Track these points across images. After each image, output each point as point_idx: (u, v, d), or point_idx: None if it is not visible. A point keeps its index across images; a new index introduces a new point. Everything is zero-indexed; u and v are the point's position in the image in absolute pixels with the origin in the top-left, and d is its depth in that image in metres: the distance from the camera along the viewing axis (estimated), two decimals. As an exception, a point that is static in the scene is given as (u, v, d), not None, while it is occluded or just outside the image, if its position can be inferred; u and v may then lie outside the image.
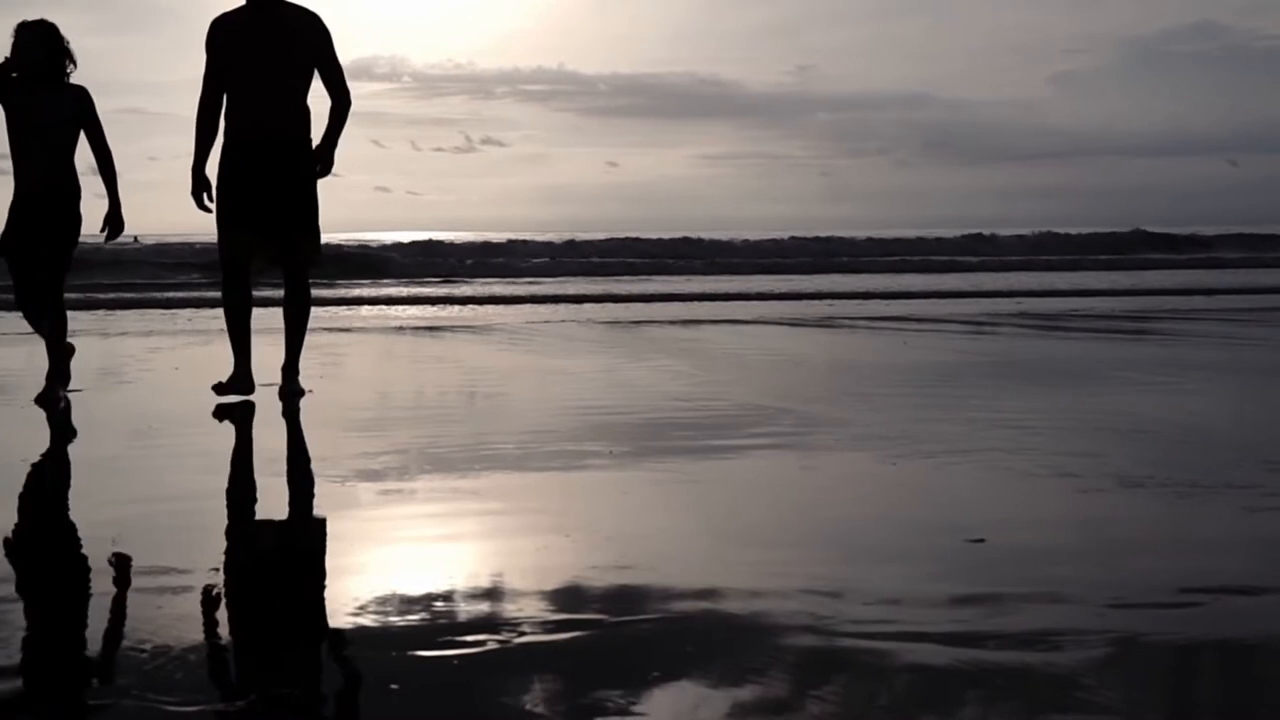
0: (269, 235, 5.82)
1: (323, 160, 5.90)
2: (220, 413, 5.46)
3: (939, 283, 19.17)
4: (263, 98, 5.79)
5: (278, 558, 3.19)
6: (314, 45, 5.86)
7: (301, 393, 5.87)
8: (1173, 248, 31.13)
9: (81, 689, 2.20)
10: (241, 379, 5.80)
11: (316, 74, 5.88)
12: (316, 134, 5.92)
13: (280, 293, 6.01)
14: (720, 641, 2.40)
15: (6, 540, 3.31)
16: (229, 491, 4.03)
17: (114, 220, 6.09)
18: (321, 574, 2.98)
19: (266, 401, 5.73)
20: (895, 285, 18.37)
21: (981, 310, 13.07)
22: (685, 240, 30.31)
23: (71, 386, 6.17)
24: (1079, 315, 12.34)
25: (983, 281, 19.50)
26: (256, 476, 4.22)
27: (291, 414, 5.47)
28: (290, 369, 5.93)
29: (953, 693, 2.13)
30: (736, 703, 2.08)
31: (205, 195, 5.84)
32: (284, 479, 4.17)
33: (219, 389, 5.76)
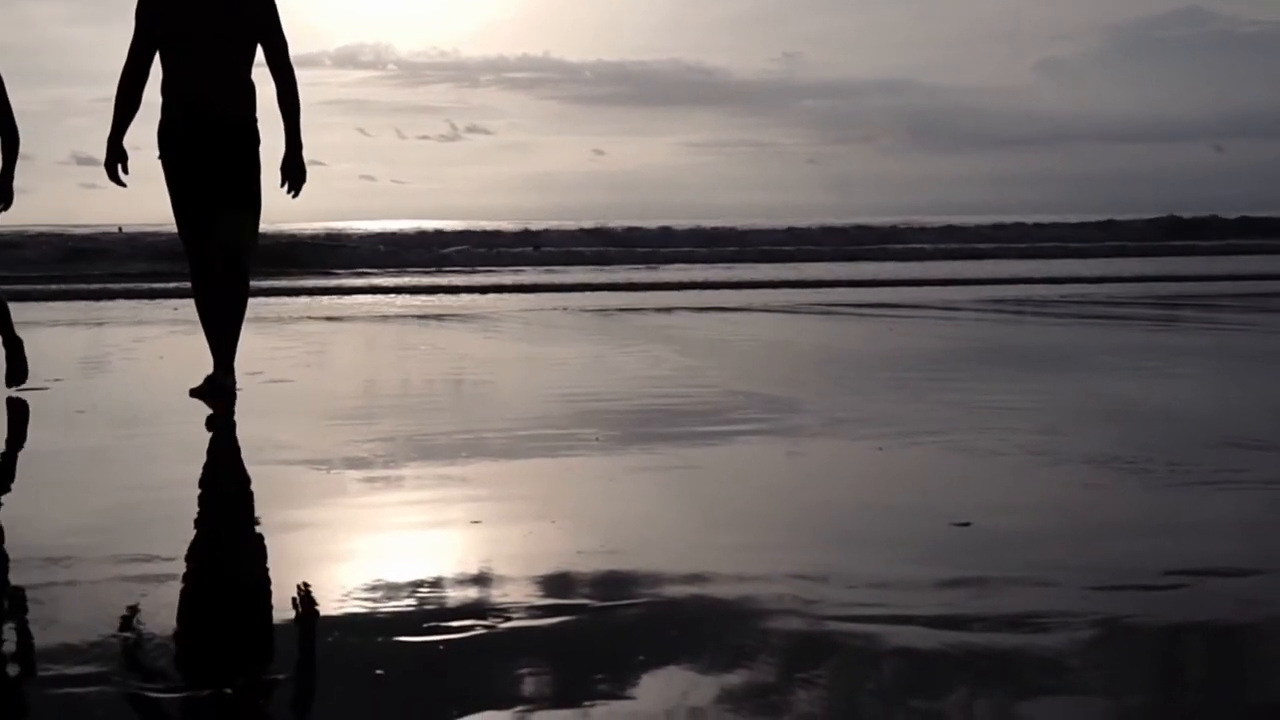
0: (221, 215, 5.35)
1: (294, 174, 5.39)
2: (200, 400, 5.40)
3: (935, 270, 19.19)
4: (202, 71, 5.30)
5: (262, 545, 3.18)
6: (257, 13, 5.36)
7: (234, 391, 5.36)
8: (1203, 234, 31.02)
9: (65, 676, 2.19)
10: (221, 378, 5.38)
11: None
12: (262, 108, 5.43)
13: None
14: (707, 626, 2.40)
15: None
16: (213, 481, 4.02)
17: (3, 189, 5.70)
18: (307, 562, 2.98)
19: (250, 389, 5.71)
20: (909, 273, 18.39)
21: (970, 297, 13.08)
22: (669, 230, 30.32)
23: (53, 376, 6.14)
24: (1069, 301, 12.37)
25: (962, 269, 19.53)
26: (241, 465, 4.21)
27: (225, 416, 5.02)
28: (223, 362, 5.37)
29: (939, 675, 2.13)
30: (724, 687, 2.08)
31: (120, 167, 5.37)
32: (269, 467, 4.16)
33: (198, 394, 5.33)
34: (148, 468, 4.17)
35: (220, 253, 5.35)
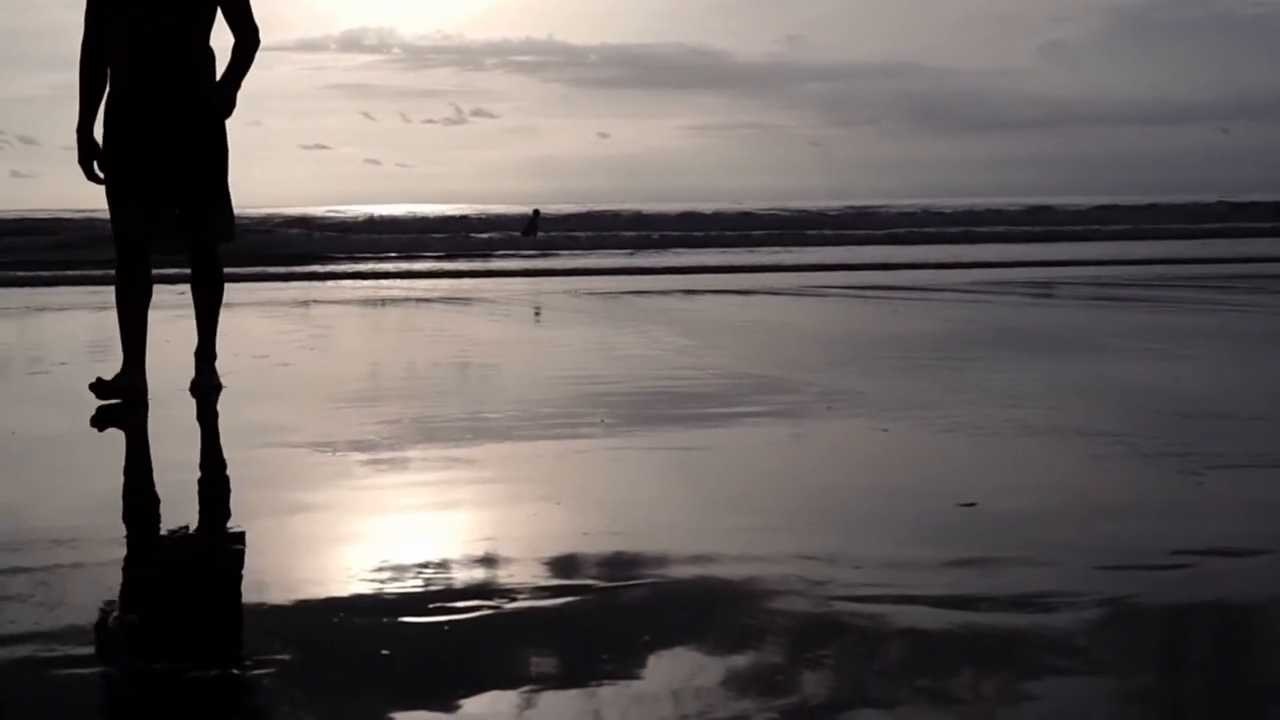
0: (169, 206, 4.94)
1: (222, 98, 4.92)
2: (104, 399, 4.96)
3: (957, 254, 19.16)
4: (155, 39, 4.83)
5: (268, 527, 3.18)
6: None
7: (218, 387, 5.15)
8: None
9: (72, 657, 2.20)
10: (132, 379, 4.96)
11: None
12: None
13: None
14: (713, 607, 2.40)
15: (0, 513, 3.30)
16: (218, 463, 4.02)
17: None
18: (313, 543, 2.98)
19: (255, 372, 5.71)
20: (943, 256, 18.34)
21: (975, 279, 13.05)
22: (673, 214, 30.29)
23: (58, 360, 6.14)
24: (1076, 283, 12.34)
25: (976, 254, 19.49)
26: (245, 449, 4.21)
27: (208, 412, 4.85)
28: (205, 356, 5.20)
29: (946, 654, 2.13)
30: (730, 667, 2.08)
31: (96, 162, 4.93)
32: (274, 449, 4.16)
33: (100, 389, 4.89)
34: (153, 450, 4.17)
35: (195, 250, 5.10)
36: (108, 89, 4.94)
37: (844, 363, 6.24)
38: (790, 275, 14.38)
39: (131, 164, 4.87)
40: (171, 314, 9.30)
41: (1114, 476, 3.55)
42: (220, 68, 5.03)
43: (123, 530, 3.13)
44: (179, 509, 3.33)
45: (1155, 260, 16.37)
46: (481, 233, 27.80)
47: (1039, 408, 4.64)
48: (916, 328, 8.20)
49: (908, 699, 1.95)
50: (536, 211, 29.22)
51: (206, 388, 5.12)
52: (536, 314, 9.84)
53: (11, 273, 15.19)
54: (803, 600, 2.42)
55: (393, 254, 21.24)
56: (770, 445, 4.13)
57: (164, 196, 4.92)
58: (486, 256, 21.19)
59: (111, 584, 2.64)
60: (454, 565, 2.69)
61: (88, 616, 2.41)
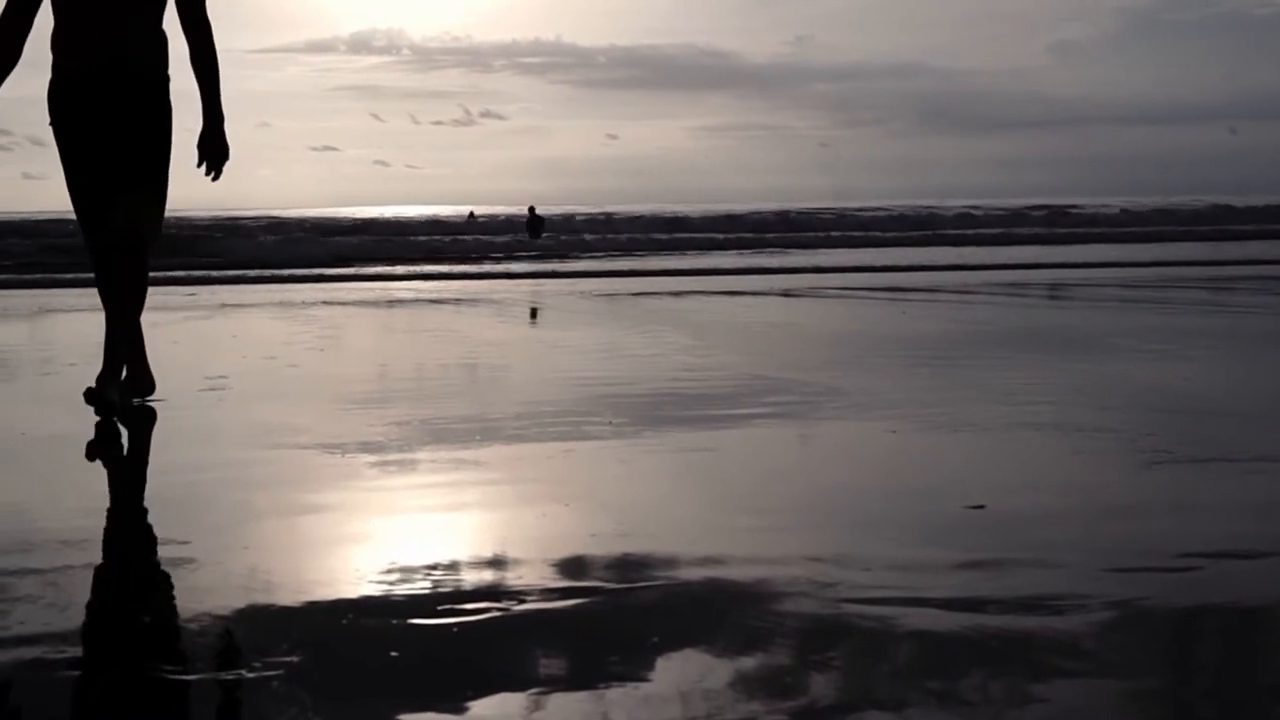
0: (117, 192, 4.56)
1: (214, 153, 4.59)
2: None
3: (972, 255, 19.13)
4: (102, 19, 4.48)
5: (277, 528, 3.19)
6: None
7: (112, 404, 4.49)
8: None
9: (83, 659, 2.20)
10: (139, 378, 4.80)
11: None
12: (174, 67, 4.66)
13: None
14: (721, 608, 2.40)
15: (10, 514, 3.30)
16: (227, 464, 4.02)
17: None
18: (322, 544, 2.98)
19: (264, 373, 5.71)
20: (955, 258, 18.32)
21: (983, 280, 13.04)
22: (681, 216, 30.30)
23: (68, 361, 6.16)
24: (1085, 284, 12.32)
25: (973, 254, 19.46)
26: (254, 450, 4.21)
27: (215, 413, 4.70)
28: (111, 373, 4.55)
29: (955, 657, 2.13)
30: (738, 669, 2.08)
31: None
32: (283, 451, 4.16)
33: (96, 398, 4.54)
34: (162, 451, 4.18)
35: (115, 239, 4.59)
36: (53, 74, 4.60)
37: (851, 364, 6.23)
38: (798, 277, 14.38)
39: (90, 170, 4.57)
40: (178, 315, 9.32)
41: (1123, 478, 3.54)
42: (179, 63, 4.65)
43: (132, 531, 3.13)
44: (188, 510, 3.33)
45: (1171, 262, 16.34)
46: (489, 234, 27.86)
47: (1047, 408, 4.63)
48: (924, 329, 8.19)
49: (917, 701, 1.94)
50: (533, 209, 29.24)
51: (103, 399, 4.45)
52: (532, 315, 9.85)
53: (22, 275, 15.23)
54: (811, 602, 2.42)
55: (401, 255, 21.26)
56: (778, 446, 4.13)
57: (110, 190, 4.58)
58: (494, 258, 21.20)
59: (121, 585, 2.64)
60: (462, 567, 2.69)
61: (98, 617, 2.41)
